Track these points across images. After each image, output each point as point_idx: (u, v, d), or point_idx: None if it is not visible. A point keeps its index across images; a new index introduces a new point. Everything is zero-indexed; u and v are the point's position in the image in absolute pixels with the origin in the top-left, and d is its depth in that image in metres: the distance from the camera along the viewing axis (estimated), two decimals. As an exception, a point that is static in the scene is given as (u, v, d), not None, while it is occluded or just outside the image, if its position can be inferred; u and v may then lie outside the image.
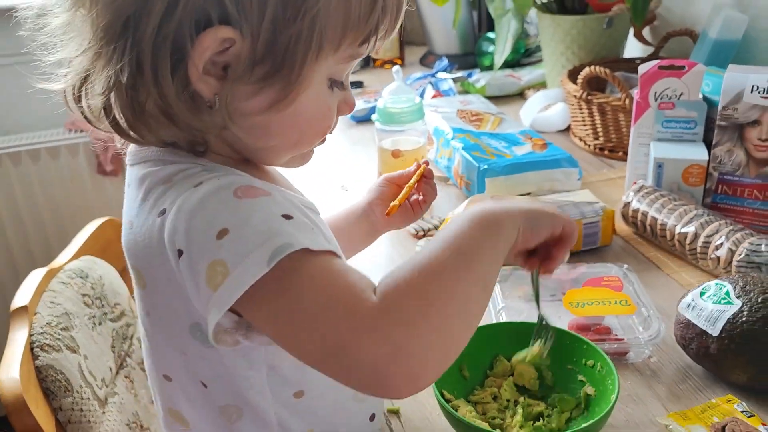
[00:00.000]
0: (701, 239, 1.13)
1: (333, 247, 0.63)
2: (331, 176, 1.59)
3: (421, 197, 1.02)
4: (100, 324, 1.19)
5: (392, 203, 0.95)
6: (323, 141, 0.77)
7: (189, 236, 0.62)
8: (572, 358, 0.89)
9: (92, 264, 1.24)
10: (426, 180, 1.01)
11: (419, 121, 1.40)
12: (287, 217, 0.63)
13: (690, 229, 1.15)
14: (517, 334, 0.92)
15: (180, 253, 0.62)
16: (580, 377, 0.88)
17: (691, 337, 0.90)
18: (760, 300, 0.85)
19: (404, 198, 0.96)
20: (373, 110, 1.59)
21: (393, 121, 1.37)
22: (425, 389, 0.60)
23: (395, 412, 0.90)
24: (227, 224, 0.61)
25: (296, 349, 0.61)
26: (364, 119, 1.87)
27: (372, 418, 0.83)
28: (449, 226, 0.66)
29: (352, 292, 0.59)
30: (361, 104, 1.91)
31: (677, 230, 1.16)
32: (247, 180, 0.67)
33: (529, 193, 1.40)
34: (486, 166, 1.37)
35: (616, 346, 0.95)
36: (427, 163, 1.01)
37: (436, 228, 1.32)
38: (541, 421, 0.84)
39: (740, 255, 1.06)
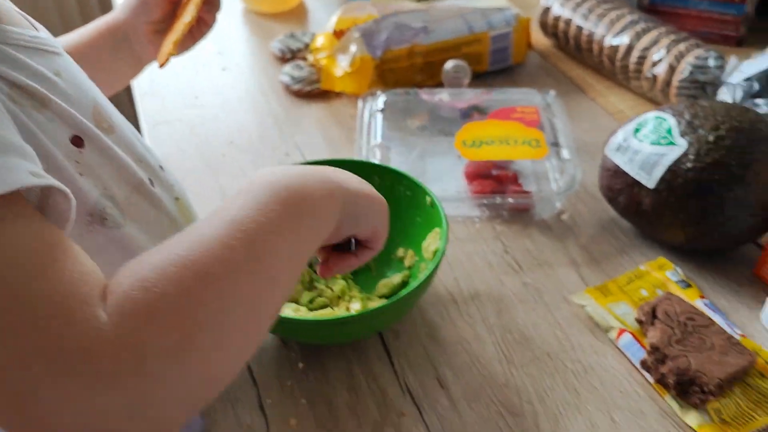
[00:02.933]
0: (636, 53, 0.89)
1: (45, 180, 0.36)
2: None
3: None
4: None
5: (167, 49, 0.66)
6: None
7: None
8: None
9: None
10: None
11: None
12: None
13: (623, 39, 0.90)
14: None
15: None
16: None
17: (619, 189, 0.69)
18: (711, 139, 0.63)
19: (180, 37, 0.67)
20: None
21: None
22: None
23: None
24: None
25: None
26: None
27: None
28: (235, 200, 0.41)
29: (68, 299, 0.33)
30: None
31: (606, 42, 0.92)
32: None
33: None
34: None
35: (511, 200, 0.74)
36: None
37: (307, 47, 1.03)
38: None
39: (683, 73, 0.84)
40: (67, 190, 0.37)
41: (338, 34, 0.95)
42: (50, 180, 0.36)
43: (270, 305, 0.41)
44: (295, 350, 0.64)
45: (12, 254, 0.33)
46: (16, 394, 0.31)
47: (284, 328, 0.61)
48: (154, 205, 0.53)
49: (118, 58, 0.71)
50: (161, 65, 0.66)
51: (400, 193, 0.70)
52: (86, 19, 1.90)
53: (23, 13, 0.52)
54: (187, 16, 0.67)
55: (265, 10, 1.18)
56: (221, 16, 0.75)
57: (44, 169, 0.37)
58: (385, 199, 0.54)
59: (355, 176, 0.52)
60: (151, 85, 1.01)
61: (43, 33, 0.51)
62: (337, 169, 0.51)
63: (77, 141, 0.46)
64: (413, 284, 0.61)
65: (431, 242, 0.65)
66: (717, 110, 0.65)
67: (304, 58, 1.02)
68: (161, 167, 0.58)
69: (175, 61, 0.72)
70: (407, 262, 0.69)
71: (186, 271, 0.35)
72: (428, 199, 0.67)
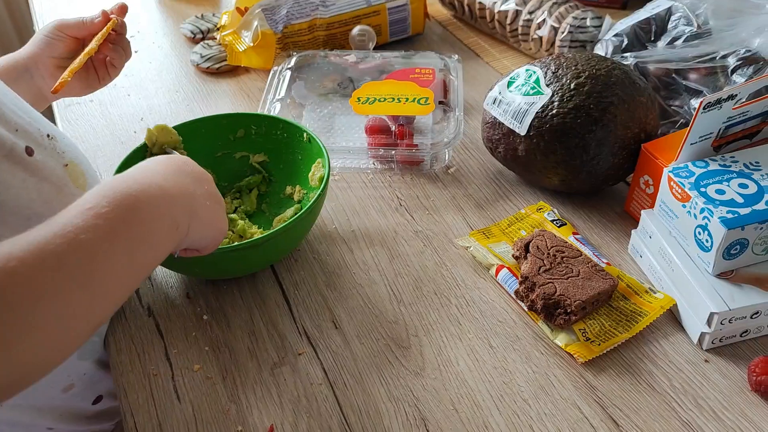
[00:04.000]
0: (522, 17, 0.94)
1: None
2: None
3: (108, 57, 0.76)
4: None
5: (62, 76, 0.69)
6: None
7: None
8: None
9: None
10: (117, 36, 0.76)
11: None
12: None
13: (510, 6, 0.96)
14: None
15: None
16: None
17: (498, 139, 0.75)
18: (572, 86, 0.69)
19: (78, 67, 0.71)
20: None
21: None
22: None
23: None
24: None
25: None
26: None
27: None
28: (84, 214, 0.42)
29: None
30: None
31: (496, 8, 0.97)
32: None
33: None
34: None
35: (394, 152, 0.79)
36: (123, 9, 0.76)
37: (217, 27, 1.06)
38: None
39: (563, 33, 0.90)
40: None
41: (242, 11, 0.98)
42: None
43: (94, 319, 0.42)
44: (200, 304, 0.68)
45: None
46: None
47: (193, 264, 0.63)
48: (32, 172, 0.56)
49: (18, 91, 0.70)
50: (53, 91, 0.69)
51: (278, 137, 0.75)
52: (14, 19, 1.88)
53: None
54: (88, 47, 0.71)
55: (178, -7, 1.20)
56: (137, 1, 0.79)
57: None
58: (226, 220, 0.57)
59: (209, 185, 0.54)
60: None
61: None
62: (199, 178, 0.53)
63: None
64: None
65: (315, 171, 0.72)
66: (579, 61, 0.71)
67: (214, 38, 1.05)
68: (49, 135, 0.61)
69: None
70: (296, 197, 0.75)
71: (12, 284, 0.37)
72: (305, 135, 0.72)
